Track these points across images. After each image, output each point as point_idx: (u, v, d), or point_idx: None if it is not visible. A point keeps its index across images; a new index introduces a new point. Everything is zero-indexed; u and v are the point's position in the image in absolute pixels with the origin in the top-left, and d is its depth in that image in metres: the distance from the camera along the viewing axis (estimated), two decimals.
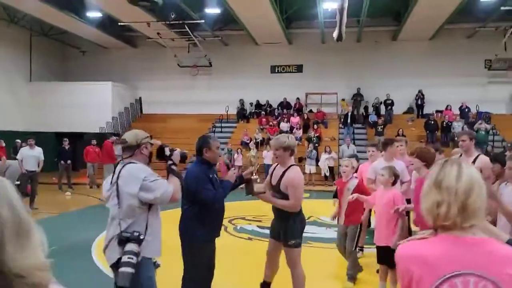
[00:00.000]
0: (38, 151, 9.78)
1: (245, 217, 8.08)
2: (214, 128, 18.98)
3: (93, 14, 16.50)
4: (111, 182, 2.80)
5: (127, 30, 19.34)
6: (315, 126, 17.15)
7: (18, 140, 14.34)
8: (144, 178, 2.70)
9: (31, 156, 9.62)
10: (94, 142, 13.47)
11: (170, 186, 2.79)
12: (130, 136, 2.90)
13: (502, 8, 14.16)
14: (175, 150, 3.04)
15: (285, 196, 3.69)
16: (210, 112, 19.55)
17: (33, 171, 9.60)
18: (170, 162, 2.98)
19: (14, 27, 18.05)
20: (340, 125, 18.13)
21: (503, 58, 17.30)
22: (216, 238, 3.59)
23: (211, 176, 3.41)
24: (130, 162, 2.81)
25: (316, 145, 15.32)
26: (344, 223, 4.80)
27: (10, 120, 17.54)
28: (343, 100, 19.17)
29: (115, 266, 2.65)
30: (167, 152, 3.00)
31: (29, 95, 18.83)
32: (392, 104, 18.05)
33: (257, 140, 16.79)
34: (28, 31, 19.00)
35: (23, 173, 9.61)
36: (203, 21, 16.84)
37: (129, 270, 2.52)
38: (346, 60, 19.03)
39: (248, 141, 16.63)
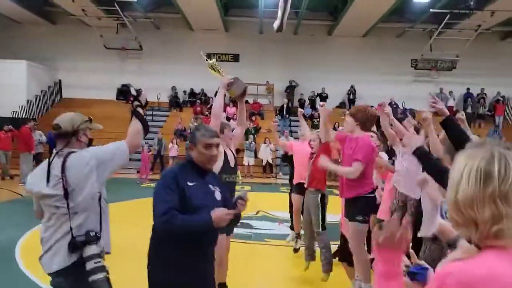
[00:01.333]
0: None
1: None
2: (145, 116, 17.81)
3: None
4: (48, 179, 2.24)
5: (46, 4, 17.33)
6: (253, 118, 16.89)
7: None
8: (95, 155, 2.31)
9: None
10: (7, 127, 11.78)
11: (121, 141, 2.41)
12: (65, 121, 2.36)
13: (432, 10, 15.01)
14: (141, 90, 2.55)
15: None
16: None
17: None
18: (136, 103, 2.49)
19: None
20: (277, 117, 18.09)
21: (427, 59, 18.49)
22: None
23: (189, 183, 2.27)
24: (70, 152, 2.30)
25: (255, 136, 15.09)
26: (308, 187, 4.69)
27: None
28: (267, 82, 19.08)
29: (62, 272, 2.22)
30: (133, 92, 2.49)
31: None
32: (326, 97, 18.41)
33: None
34: None
35: None
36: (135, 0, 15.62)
37: (103, 275, 2.18)
38: (283, 52, 19.02)
39: (183, 130, 15.87)
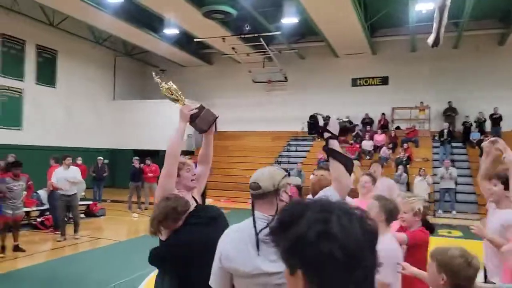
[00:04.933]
0: (73, 171, 8.61)
1: None
2: (288, 147, 17.80)
3: (170, 31, 16.47)
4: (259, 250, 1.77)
5: (203, 47, 19.21)
6: (405, 145, 15.10)
7: (100, 158, 14.54)
8: None
9: (66, 178, 8.35)
10: (148, 161, 12.96)
11: (329, 189, 1.97)
12: (264, 179, 1.91)
13: None
14: (329, 116, 2.04)
15: None
16: (284, 130, 18.46)
17: (70, 195, 8.41)
18: (327, 134, 1.98)
19: (100, 48, 18.78)
20: (436, 144, 15.84)
21: None
22: None
23: None
24: None
25: (406, 167, 13.31)
26: None
27: (94, 138, 18.13)
28: (421, 103, 16.90)
29: None
30: (321, 122, 2.00)
31: (111, 113, 19.37)
32: (500, 119, 15.32)
33: None
34: (112, 52, 19.72)
35: (60, 198, 8.39)
36: (279, 32, 15.91)
37: None
38: (440, 69, 16.80)
39: (326, 160, 15.14)
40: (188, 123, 2.64)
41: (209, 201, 13.11)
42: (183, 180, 2.66)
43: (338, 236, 0.78)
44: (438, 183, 13.08)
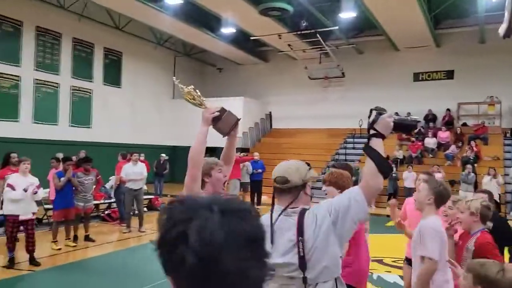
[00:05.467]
0: (140, 167, 9.06)
1: (383, 260, 6.42)
2: (345, 144, 17.41)
3: (227, 31, 16.74)
4: (273, 243, 1.87)
5: (259, 45, 19.32)
6: (472, 143, 14.19)
7: (163, 155, 15.20)
8: (329, 211, 1.84)
9: (134, 173, 8.86)
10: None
11: (355, 188, 1.86)
12: (291, 172, 1.93)
13: None
14: (383, 112, 1.93)
15: None
16: (341, 127, 18.08)
17: (137, 189, 8.85)
18: (372, 131, 1.92)
19: (161, 49, 19.58)
20: (508, 141, 14.74)
21: None
22: None
23: None
24: (304, 209, 1.90)
25: (474, 166, 12.50)
26: None
27: (156, 135, 18.96)
28: (491, 97, 15.70)
29: None
30: (373, 116, 1.93)
31: (172, 111, 20.10)
32: None
33: (397, 158, 14.68)
34: (172, 52, 20.46)
35: (127, 192, 8.85)
36: (336, 27, 15.58)
37: None
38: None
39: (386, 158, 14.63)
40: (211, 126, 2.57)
41: (264, 198, 13.22)
42: (214, 180, 2.59)
43: (193, 239, 0.72)
44: (510, 183, 12.17)
